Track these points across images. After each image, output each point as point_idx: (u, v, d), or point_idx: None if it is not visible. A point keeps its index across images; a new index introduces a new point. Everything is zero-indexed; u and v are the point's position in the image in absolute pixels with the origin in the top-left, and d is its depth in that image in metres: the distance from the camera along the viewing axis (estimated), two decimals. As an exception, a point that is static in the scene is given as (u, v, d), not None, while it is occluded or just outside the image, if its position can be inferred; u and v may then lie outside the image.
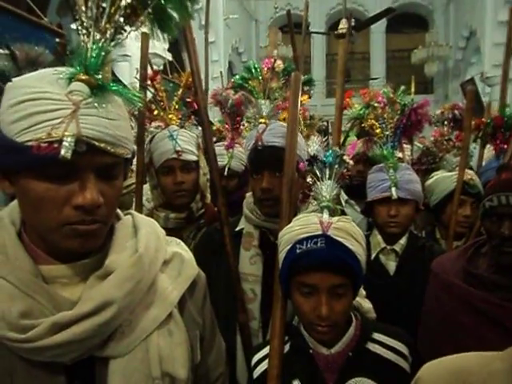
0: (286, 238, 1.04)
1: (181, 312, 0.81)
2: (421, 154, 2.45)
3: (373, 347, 1.06)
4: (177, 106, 1.64)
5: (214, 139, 2.14)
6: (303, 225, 1.03)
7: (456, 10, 11.26)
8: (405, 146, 1.96)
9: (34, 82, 0.62)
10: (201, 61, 1.54)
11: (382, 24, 11.57)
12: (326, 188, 1.12)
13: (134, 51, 4.95)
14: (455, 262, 1.34)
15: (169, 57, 5.72)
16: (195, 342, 0.84)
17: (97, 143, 0.62)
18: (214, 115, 3.05)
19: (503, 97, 2.26)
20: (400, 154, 1.76)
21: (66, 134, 0.59)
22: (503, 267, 1.20)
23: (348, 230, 1.02)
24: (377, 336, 1.07)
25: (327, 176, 1.14)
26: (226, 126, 2.23)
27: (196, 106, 1.53)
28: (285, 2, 11.41)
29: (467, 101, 2.02)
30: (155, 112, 1.63)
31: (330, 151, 1.17)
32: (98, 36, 0.62)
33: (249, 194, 1.45)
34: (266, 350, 1.11)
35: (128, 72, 4.91)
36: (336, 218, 1.05)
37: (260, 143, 1.30)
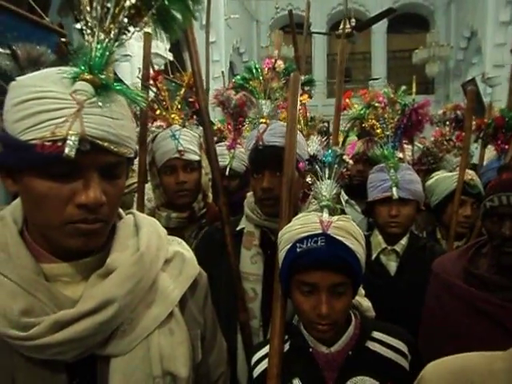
0: (286, 237, 1.05)
1: (182, 311, 0.81)
2: (421, 155, 2.45)
3: (372, 346, 1.06)
4: (179, 106, 1.64)
5: (215, 139, 2.14)
6: (303, 224, 1.04)
7: (457, 11, 11.26)
8: (405, 146, 1.97)
9: (39, 81, 0.63)
10: (202, 61, 1.55)
11: (383, 24, 11.56)
12: (326, 187, 1.13)
13: (135, 51, 4.97)
14: (456, 262, 1.34)
15: (170, 57, 5.73)
16: (196, 341, 0.84)
17: (100, 142, 0.63)
18: (215, 115, 3.06)
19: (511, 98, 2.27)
20: (401, 155, 1.76)
21: (70, 132, 0.59)
22: (504, 267, 1.20)
23: (348, 228, 1.02)
24: (376, 334, 1.08)
25: (327, 175, 1.14)
26: (228, 127, 2.23)
27: (198, 106, 1.53)
28: (286, 2, 11.41)
29: (467, 101, 2.02)
30: (157, 111, 1.63)
31: (330, 151, 1.17)
32: (102, 36, 0.62)
33: (250, 194, 1.45)
34: (265, 349, 1.11)
35: (129, 72, 4.92)
36: (336, 217, 1.05)
37: (261, 143, 1.31)
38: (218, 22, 8.98)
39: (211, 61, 3.66)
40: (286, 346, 1.10)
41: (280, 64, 1.47)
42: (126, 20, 0.64)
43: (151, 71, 1.65)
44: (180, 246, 0.87)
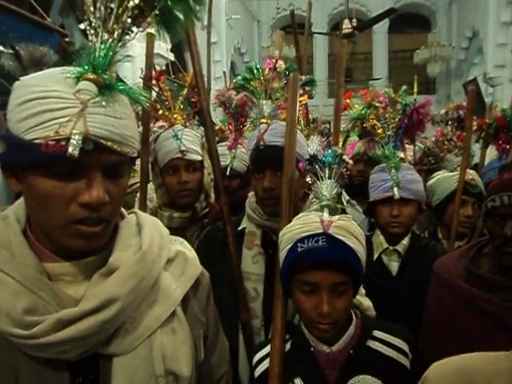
0: (287, 237, 1.05)
1: (184, 310, 0.81)
2: (422, 155, 2.46)
3: (373, 345, 1.06)
4: (181, 106, 1.65)
5: (216, 139, 2.15)
6: (304, 223, 1.04)
7: (459, 11, 11.25)
8: (407, 146, 1.97)
9: (42, 81, 0.63)
10: (203, 61, 1.55)
11: (384, 24, 11.56)
12: (326, 187, 1.13)
13: (137, 52, 4.97)
14: (457, 262, 1.34)
15: (171, 57, 5.73)
16: (199, 340, 0.84)
17: (104, 142, 0.63)
18: (216, 115, 3.06)
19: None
20: (402, 155, 1.76)
21: (74, 132, 0.60)
22: (506, 267, 1.19)
23: (348, 228, 1.02)
24: (377, 333, 1.08)
25: (327, 175, 1.14)
26: (229, 127, 2.24)
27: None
28: (287, 2, 11.42)
29: (468, 101, 2.02)
30: (160, 111, 1.64)
31: (330, 151, 1.17)
32: (105, 36, 0.63)
33: (251, 194, 1.45)
34: (267, 349, 1.11)
35: (131, 73, 4.92)
36: (336, 217, 1.05)
37: (262, 143, 1.31)
38: (220, 23, 8.98)
39: (212, 61, 3.66)
40: (288, 346, 1.10)
41: (281, 64, 1.47)
42: (129, 20, 0.64)
43: (153, 71, 1.65)
44: (182, 246, 0.87)
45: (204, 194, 1.67)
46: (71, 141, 0.59)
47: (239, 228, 1.45)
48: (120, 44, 0.65)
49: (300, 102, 1.52)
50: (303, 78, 1.58)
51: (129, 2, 0.62)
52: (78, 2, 0.62)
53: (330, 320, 0.99)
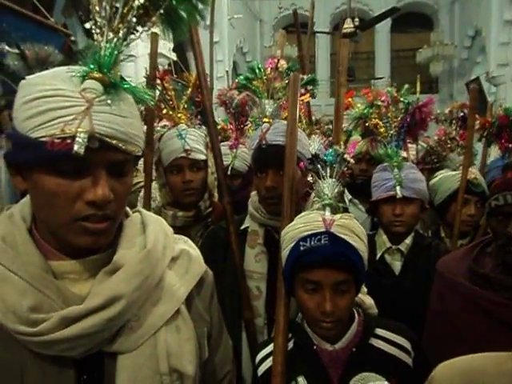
0: (290, 236, 1.05)
1: (188, 309, 0.81)
2: (425, 154, 2.45)
3: (376, 343, 1.06)
4: (186, 106, 1.65)
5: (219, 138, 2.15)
6: (306, 222, 1.04)
7: (461, 9, 11.22)
8: (409, 145, 1.97)
9: (48, 80, 0.64)
10: (205, 61, 1.56)
11: (386, 23, 11.55)
12: (328, 186, 1.13)
13: (140, 52, 4.98)
14: (461, 261, 1.33)
15: (173, 57, 5.74)
16: (203, 338, 0.84)
17: (109, 140, 0.63)
18: (218, 114, 3.06)
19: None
20: (405, 154, 1.76)
21: (80, 130, 0.60)
22: (509, 266, 1.19)
23: (350, 226, 1.03)
24: (380, 331, 1.08)
25: (328, 174, 1.15)
26: (230, 126, 2.24)
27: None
28: (289, 1, 11.41)
29: (470, 99, 2.02)
30: (164, 111, 1.64)
31: (331, 150, 1.18)
32: (111, 35, 0.63)
33: (254, 193, 1.46)
34: (270, 347, 1.11)
35: (133, 72, 4.93)
36: (338, 216, 1.06)
37: (264, 142, 1.31)
38: (222, 22, 8.99)
39: (215, 61, 3.67)
40: (290, 344, 1.11)
41: (283, 64, 1.48)
42: (134, 20, 0.64)
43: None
44: (186, 245, 0.87)
45: (208, 193, 1.67)
46: (77, 139, 0.60)
47: (242, 227, 1.45)
48: (125, 43, 0.65)
49: (302, 100, 1.52)
50: (305, 77, 1.58)
51: (134, 2, 0.63)
52: (80, 2, 0.63)
53: (333, 318, 0.99)
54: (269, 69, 1.47)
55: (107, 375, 0.71)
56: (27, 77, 0.66)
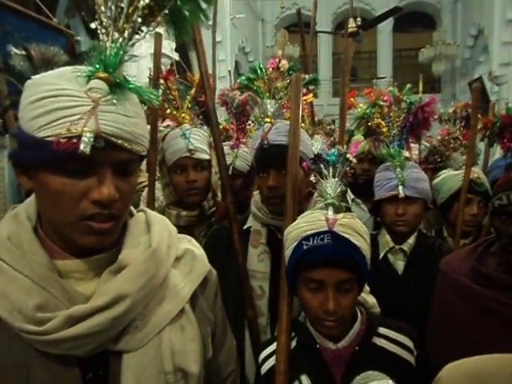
0: (293, 235, 1.06)
1: (192, 308, 0.81)
2: (428, 153, 2.45)
3: (379, 341, 1.07)
4: (189, 105, 1.66)
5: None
6: (309, 222, 1.05)
7: (464, 9, 11.20)
8: (412, 145, 1.97)
9: (54, 80, 0.64)
10: (207, 60, 1.56)
11: (389, 23, 11.54)
12: (331, 186, 1.14)
13: (142, 52, 4.99)
14: (464, 261, 1.33)
15: (176, 57, 5.75)
16: (207, 338, 0.85)
17: (114, 139, 0.64)
18: (221, 114, 3.07)
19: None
20: (407, 153, 1.76)
21: (85, 129, 0.60)
22: (512, 266, 1.19)
23: (353, 226, 1.03)
24: (382, 330, 1.09)
25: (331, 174, 1.15)
26: (232, 126, 2.25)
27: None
28: (291, 1, 11.41)
29: (473, 99, 2.02)
30: (168, 111, 1.65)
31: (333, 150, 1.18)
32: (116, 35, 0.63)
33: (256, 193, 1.46)
34: (273, 347, 1.12)
35: (136, 73, 4.94)
36: (341, 215, 1.06)
37: (266, 142, 1.32)
38: (224, 22, 9.00)
39: (217, 60, 3.67)
40: (293, 343, 1.11)
41: (284, 64, 1.48)
42: (139, 20, 0.65)
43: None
44: (190, 244, 0.88)
45: (211, 193, 1.67)
46: (83, 138, 0.60)
47: (245, 227, 1.45)
48: (130, 43, 0.65)
49: (305, 100, 1.52)
50: (307, 76, 1.58)
51: (139, 2, 0.63)
52: (83, 3, 0.63)
53: (336, 317, 0.99)
54: (270, 69, 1.48)
55: (112, 374, 0.72)
56: (33, 77, 0.66)
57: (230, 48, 9.61)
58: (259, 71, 1.48)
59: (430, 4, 12.27)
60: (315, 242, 1.00)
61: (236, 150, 2.14)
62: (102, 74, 0.63)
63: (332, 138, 3.05)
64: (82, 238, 0.68)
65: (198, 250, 0.88)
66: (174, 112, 1.64)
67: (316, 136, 1.60)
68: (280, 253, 1.18)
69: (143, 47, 4.77)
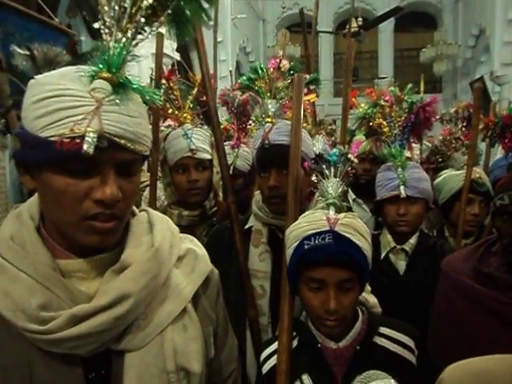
0: (294, 235, 1.06)
1: (195, 307, 0.82)
2: (429, 153, 2.45)
3: (380, 341, 1.07)
4: (191, 105, 1.66)
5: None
6: (310, 221, 1.05)
7: (465, 9, 11.18)
8: (414, 145, 1.96)
9: (57, 80, 0.64)
10: (209, 60, 1.56)
11: (390, 23, 11.52)
12: (332, 186, 1.14)
13: (142, 52, 4.99)
14: (465, 260, 1.33)
15: (177, 57, 5.75)
16: (209, 337, 0.85)
17: (118, 139, 0.64)
18: (222, 114, 3.07)
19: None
20: (409, 153, 1.76)
21: (89, 129, 0.60)
22: (514, 266, 1.19)
23: (354, 225, 1.03)
24: (383, 330, 1.09)
25: (332, 174, 1.15)
26: (232, 126, 2.25)
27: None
28: (292, 1, 11.40)
29: (474, 99, 2.02)
30: (170, 111, 1.65)
31: (335, 150, 1.18)
32: (119, 35, 0.64)
33: (257, 192, 1.46)
34: (274, 346, 1.12)
35: (137, 73, 4.94)
36: (342, 215, 1.06)
37: (267, 142, 1.32)
38: (225, 22, 8.99)
39: (218, 60, 3.68)
40: (295, 342, 1.11)
41: (285, 64, 1.48)
42: (142, 20, 0.65)
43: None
44: (192, 244, 0.88)
45: (213, 193, 1.67)
46: (86, 138, 0.60)
47: (246, 226, 1.45)
48: (133, 43, 0.65)
49: (308, 100, 1.52)
50: (307, 76, 1.58)
51: (142, 2, 0.63)
52: (85, 3, 0.63)
53: (337, 316, 0.99)
54: (271, 69, 1.48)
55: (115, 373, 0.72)
56: (36, 76, 0.66)
57: (231, 48, 9.61)
58: (260, 71, 1.48)
59: (431, 4, 12.25)
60: (316, 241, 1.00)
61: (237, 150, 2.15)
62: (105, 74, 0.63)
63: (333, 138, 3.06)
64: (84, 237, 0.68)
65: (200, 249, 0.88)
66: (176, 112, 1.64)
67: (318, 136, 1.60)
68: (281, 252, 1.18)
69: (144, 47, 4.78)
